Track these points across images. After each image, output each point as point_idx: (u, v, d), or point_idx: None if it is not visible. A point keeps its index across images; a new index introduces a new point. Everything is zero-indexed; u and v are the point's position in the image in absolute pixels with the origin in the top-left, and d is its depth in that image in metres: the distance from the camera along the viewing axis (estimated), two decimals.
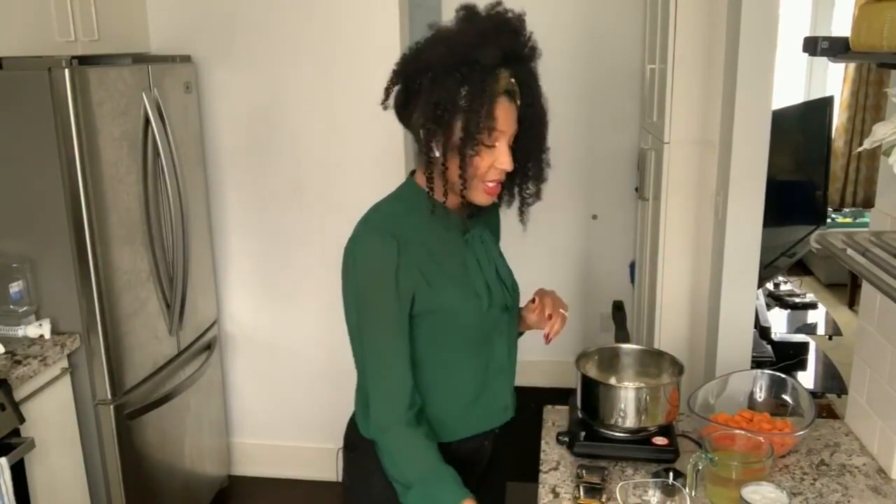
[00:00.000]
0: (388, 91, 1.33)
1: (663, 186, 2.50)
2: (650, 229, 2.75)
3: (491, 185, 1.32)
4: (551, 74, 1.49)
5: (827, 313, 3.28)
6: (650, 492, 1.42)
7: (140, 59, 2.48)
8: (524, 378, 1.81)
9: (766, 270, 2.52)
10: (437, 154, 1.29)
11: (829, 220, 5.09)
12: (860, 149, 1.34)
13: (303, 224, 2.96)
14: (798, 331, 3.07)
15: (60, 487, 2.21)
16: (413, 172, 1.42)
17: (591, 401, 1.60)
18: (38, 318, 2.23)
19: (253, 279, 3.07)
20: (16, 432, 1.95)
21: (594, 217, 3.88)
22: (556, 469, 1.54)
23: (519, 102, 1.30)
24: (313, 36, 2.78)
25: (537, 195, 1.41)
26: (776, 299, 3.28)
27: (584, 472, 1.48)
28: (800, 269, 5.45)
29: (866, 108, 5.54)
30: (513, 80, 1.28)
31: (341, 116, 2.84)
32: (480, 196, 1.33)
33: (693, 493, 1.39)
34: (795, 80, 5.73)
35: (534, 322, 1.52)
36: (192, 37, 2.83)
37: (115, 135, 2.27)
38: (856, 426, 1.68)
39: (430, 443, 1.33)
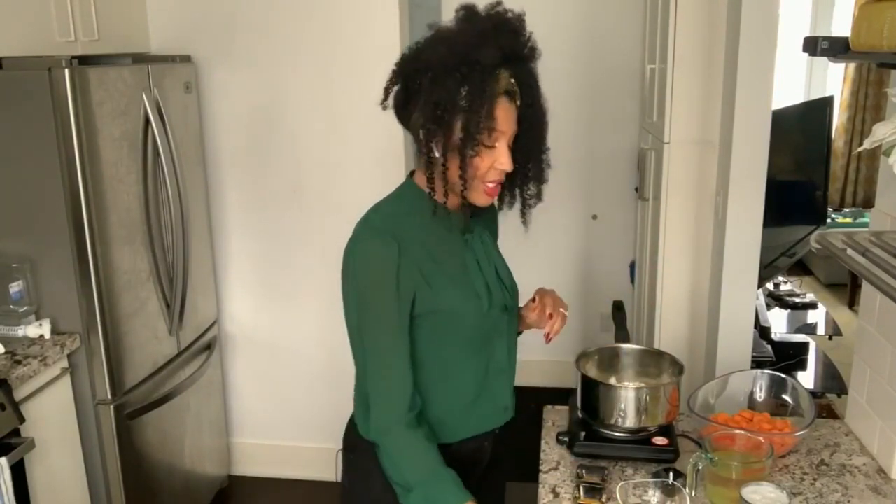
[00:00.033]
0: (387, 91, 1.33)
1: (663, 186, 2.50)
2: (650, 229, 2.75)
3: (491, 185, 1.32)
4: (551, 74, 1.49)
5: (827, 313, 3.28)
6: (650, 492, 1.42)
7: (140, 59, 2.48)
8: (524, 378, 1.80)
9: (766, 270, 2.52)
10: (437, 154, 1.29)
11: (829, 220, 5.09)
12: (860, 149, 1.34)
13: (303, 224, 2.96)
14: (798, 331, 3.06)
15: (60, 487, 2.21)
16: (412, 173, 1.42)
17: (591, 401, 1.60)
18: (38, 318, 2.23)
19: (253, 279, 3.07)
20: (16, 432, 1.95)
21: (594, 217, 3.88)
22: (556, 469, 1.54)
23: (519, 103, 1.30)
24: (313, 36, 2.78)
25: (538, 196, 1.41)
26: (776, 299, 3.28)
27: (584, 472, 1.48)
28: (800, 269, 5.45)
29: (866, 108, 5.54)
30: (513, 80, 1.28)
31: (341, 116, 2.84)
32: (480, 197, 1.33)
33: (693, 493, 1.39)
34: (795, 80, 5.73)
35: (534, 321, 1.52)
36: (192, 37, 2.83)
37: (115, 135, 2.27)
38: (856, 426, 1.68)
39: (430, 445, 1.33)
